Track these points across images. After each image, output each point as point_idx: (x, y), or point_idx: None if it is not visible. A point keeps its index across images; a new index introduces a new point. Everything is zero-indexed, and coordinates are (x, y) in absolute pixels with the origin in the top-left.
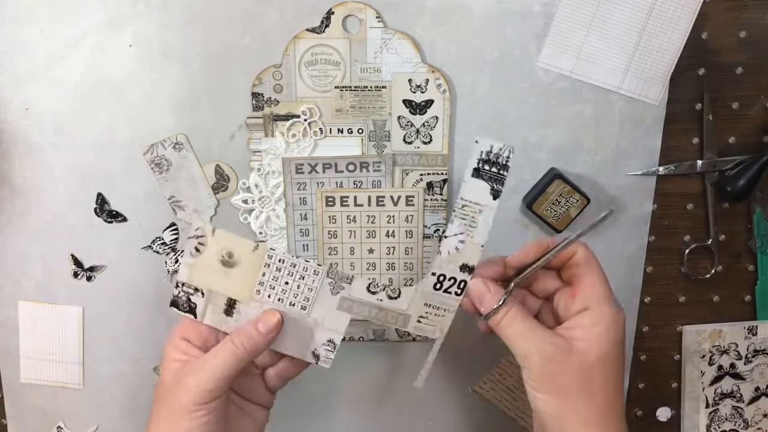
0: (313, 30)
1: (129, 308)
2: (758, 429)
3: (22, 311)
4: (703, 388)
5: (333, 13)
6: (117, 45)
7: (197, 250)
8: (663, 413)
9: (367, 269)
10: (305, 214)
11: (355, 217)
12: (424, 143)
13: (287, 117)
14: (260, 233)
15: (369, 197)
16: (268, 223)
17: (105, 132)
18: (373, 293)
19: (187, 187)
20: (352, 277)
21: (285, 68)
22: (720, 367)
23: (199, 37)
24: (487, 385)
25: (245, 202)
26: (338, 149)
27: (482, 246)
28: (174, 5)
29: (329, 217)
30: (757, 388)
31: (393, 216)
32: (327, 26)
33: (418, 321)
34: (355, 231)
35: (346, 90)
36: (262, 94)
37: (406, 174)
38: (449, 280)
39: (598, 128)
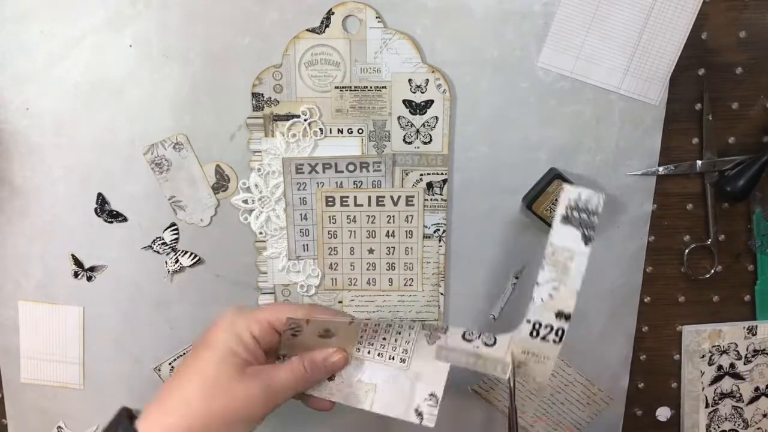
0: (313, 30)
1: (129, 308)
2: (758, 429)
3: (22, 311)
4: (703, 388)
5: (333, 13)
6: (117, 45)
7: (294, 335)
8: (663, 413)
9: (367, 269)
10: (305, 214)
11: (355, 217)
12: (424, 143)
13: (287, 117)
14: (260, 233)
15: (369, 197)
16: (268, 223)
17: (105, 132)
18: (469, 341)
19: (187, 187)
20: (447, 327)
21: (285, 68)
22: (720, 367)
23: (199, 37)
24: (486, 384)
25: (245, 202)
26: (338, 149)
27: (578, 291)
28: (174, 5)
29: (329, 217)
30: (756, 388)
31: (393, 216)
32: (327, 26)
33: (518, 367)
34: (355, 231)
35: (346, 90)
36: (262, 94)
37: (406, 174)
38: (545, 327)
39: (598, 128)
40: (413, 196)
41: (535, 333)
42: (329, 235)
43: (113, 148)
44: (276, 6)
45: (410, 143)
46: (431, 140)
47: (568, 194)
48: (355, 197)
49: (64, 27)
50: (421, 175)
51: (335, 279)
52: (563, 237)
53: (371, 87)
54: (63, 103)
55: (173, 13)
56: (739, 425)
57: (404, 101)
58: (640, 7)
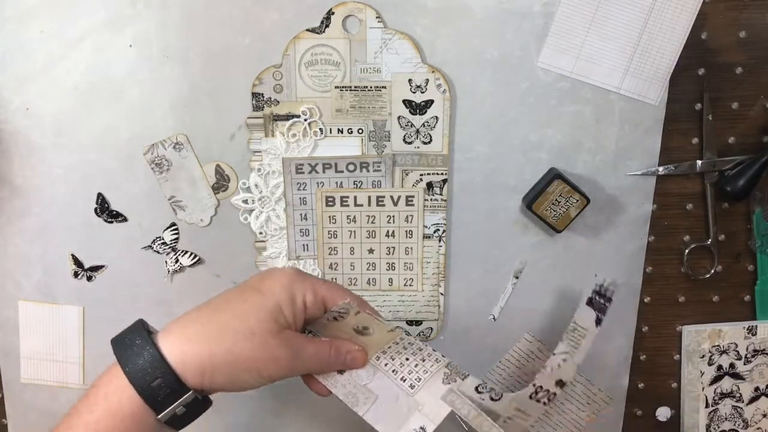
0: (313, 30)
1: (129, 308)
2: (758, 429)
3: (22, 311)
4: (703, 388)
5: (333, 13)
6: (117, 45)
7: (335, 318)
8: (663, 413)
9: (367, 269)
10: (305, 214)
11: (355, 217)
12: (424, 143)
13: (287, 117)
14: (260, 233)
15: (369, 197)
16: (268, 223)
17: (105, 132)
18: (480, 393)
19: (187, 187)
20: (468, 374)
21: (285, 68)
22: (719, 367)
23: (199, 37)
24: (487, 384)
25: (245, 202)
26: (338, 149)
27: (576, 368)
28: (174, 5)
29: (329, 217)
30: (756, 388)
31: (393, 216)
32: (327, 26)
33: (504, 421)
34: (355, 231)
35: (346, 90)
36: (263, 94)
37: (406, 174)
38: (544, 391)
39: (598, 128)
40: (413, 196)
41: (534, 395)
42: (329, 235)
43: (113, 148)
44: (276, 6)
45: (410, 143)
46: (431, 140)
47: (597, 280)
48: (355, 197)
49: (64, 27)
50: (421, 175)
51: (335, 279)
52: (584, 317)
53: (371, 87)
54: (63, 103)
55: (173, 13)
56: (739, 425)
57: (404, 101)
58: (640, 7)
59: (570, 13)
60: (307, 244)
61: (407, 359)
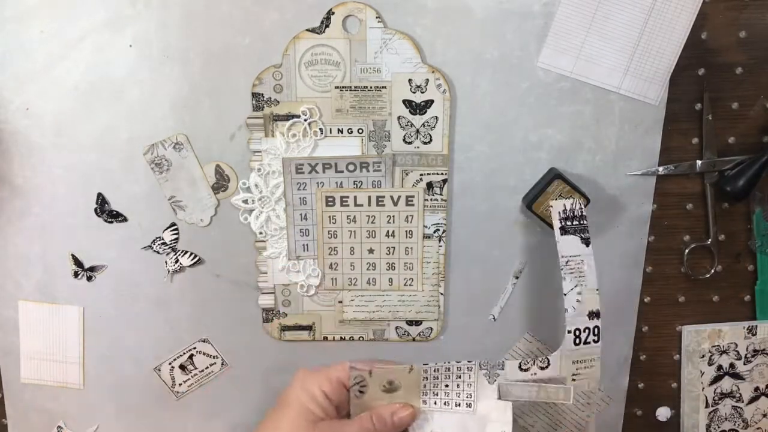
0: (313, 30)
1: (129, 308)
2: (758, 429)
3: (22, 311)
4: (703, 388)
5: (333, 13)
6: (117, 45)
7: (361, 392)
8: (663, 413)
9: (367, 269)
10: (305, 214)
11: (355, 217)
12: (424, 143)
13: (287, 117)
14: (260, 233)
15: (369, 197)
16: (268, 223)
17: (105, 132)
18: (525, 370)
19: (187, 187)
20: (503, 362)
21: (285, 68)
22: (719, 367)
23: (199, 37)
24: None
25: (245, 202)
26: (338, 149)
27: (597, 289)
28: (174, 5)
29: (329, 217)
30: (756, 388)
31: (393, 216)
32: (327, 26)
33: (573, 380)
34: (355, 231)
35: (346, 90)
36: (262, 94)
37: (406, 174)
38: (584, 331)
39: (598, 128)
40: (413, 196)
41: (577, 340)
42: (329, 235)
43: (113, 148)
44: (276, 6)
45: (410, 143)
46: (431, 140)
47: (556, 208)
48: (355, 197)
49: (64, 27)
50: (421, 175)
51: (335, 279)
52: (568, 246)
53: (371, 87)
54: (63, 103)
55: (173, 13)
56: (739, 425)
57: (404, 101)
58: (640, 7)
59: (570, 13)
60: (307, 244)
61: (446, 385)
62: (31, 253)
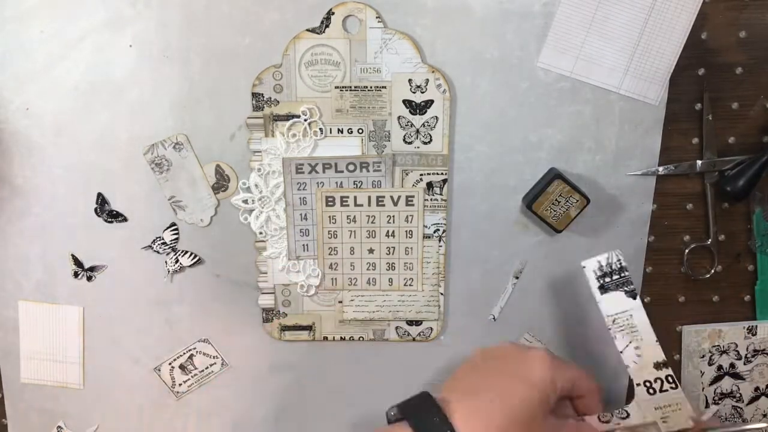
0: (313, 30)
1: (129, 308)
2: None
3: (22, 311)
4: (703, 388)
5: (333, 13)
6: (117, 45)
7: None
8: None
9: (367, 269)
10: (305, 214)
11: (355, 217)
12: (424, 143)
13: (287, 117)
14: (260, 233)
15: (369, 197)
16: (268, 223)
17: (105, 132)
18: (606, 422)
19: (187, 187)
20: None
21: (285, 68)
22: (720, 367)
23: (199, 37)
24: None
25: (245, 202)
26: (338, 149)
27: (656, 340)
28: (174, 5)
29: (329, 217)
30: (756, 388)
31: (393, 216)
32: (327, 26)
33: (664, 422)
34: (355, 231)
35: (346, 90)
36: (262, 94)
37: (406, 174)
38: (655, 381)
39: (598, 128)
40: (413, 196)
41: (651, 390)
42: (329, 235)
43: (113, 148)
44: (276, 6)
45: (410, 143)
46: (431, 140)
47: (590, 267)
48: (355, 197)
49: (64, 27)
50: (421, 175)
51: (335, 279)
52: (612, 304)
53: (371, 87)
54: (63, 103)
55: (173, 13)
56: None
57: (404, 101)
58: (640, 7)
59: (570, 13)
60: (307, 244)
61: None
62: (31, 253)
